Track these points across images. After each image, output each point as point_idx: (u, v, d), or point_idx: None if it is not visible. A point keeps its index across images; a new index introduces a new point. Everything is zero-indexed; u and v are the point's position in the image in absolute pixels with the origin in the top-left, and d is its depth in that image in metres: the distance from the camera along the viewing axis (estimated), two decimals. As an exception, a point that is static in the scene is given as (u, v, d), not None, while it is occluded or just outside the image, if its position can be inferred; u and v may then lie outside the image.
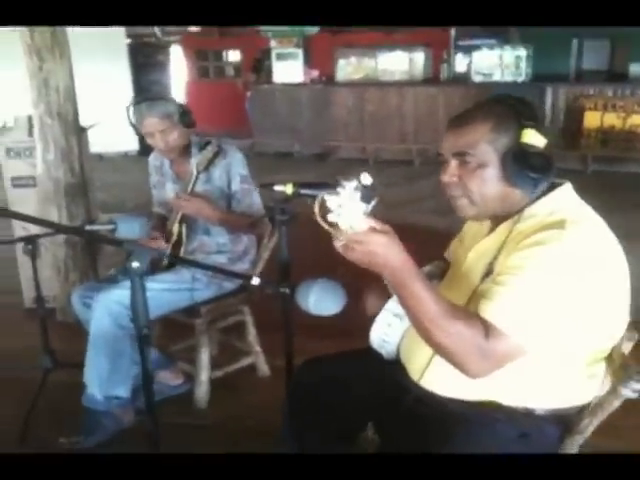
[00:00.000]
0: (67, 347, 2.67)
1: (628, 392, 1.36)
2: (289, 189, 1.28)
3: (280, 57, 9.92)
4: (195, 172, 2.46)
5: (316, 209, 1.25)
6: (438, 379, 1.49)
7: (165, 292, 2.54)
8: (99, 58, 9.30)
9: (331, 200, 1.23)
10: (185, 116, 2.62)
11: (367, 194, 1.27)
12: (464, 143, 1.44)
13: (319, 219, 1.25)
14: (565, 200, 1.44)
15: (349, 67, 9.95)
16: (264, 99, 9.85)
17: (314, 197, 1.31)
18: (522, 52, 8.57)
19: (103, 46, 9.37)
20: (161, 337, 2.88)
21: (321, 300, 1.69)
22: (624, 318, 1.42)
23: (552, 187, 1.46)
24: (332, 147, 9.35)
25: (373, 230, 1.26)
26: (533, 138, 1.37)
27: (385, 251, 1.26)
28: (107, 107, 7.51)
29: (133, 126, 2.60)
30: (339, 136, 9.34)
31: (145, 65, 10.11)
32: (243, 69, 12.42)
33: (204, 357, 2.68)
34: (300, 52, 9.76)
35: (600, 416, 1.42)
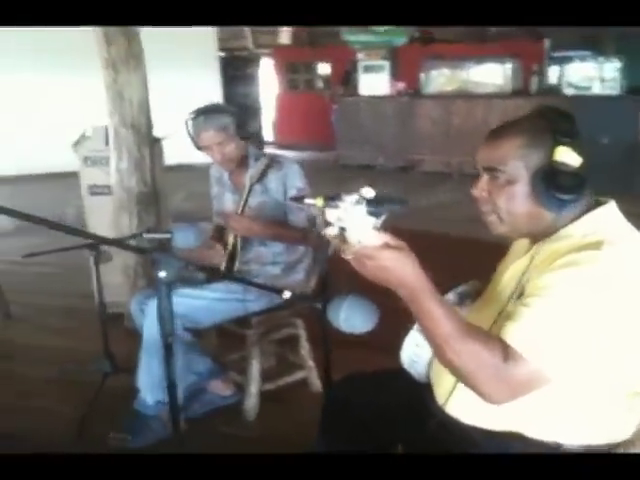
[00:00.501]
0: (131, 352, 2.71)
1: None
2: (319, 202, 1.25)
3: (367, 69, 9.93)
4: (248, 184, 2.48)
5: (320, 221, 1.24)
6: (461, 405, 1.42)
7: (217, 302, 2.57)
8: (192, 71, 9.63)
9: (330, 213, 1.21)
10: (242, 128, 2.64)
11: (376, 208, 1.24)
12: (495, 157, 1.38)
13: (324, 231, 1.24)
14: (605, 220, 1.34)
15: (441, 78, 9.86)
16: (349, 111, 9.89)
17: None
18: (616, 64, 8.19)
19: (196, 59, 9.69)
20: (216, 347, 2.91)
21: (351, 317, 1.64)
22: None
23: (595, 206, 1.37)
24: (416, 160, 9.25)
25: (386, 246, 1.24)
26: (567, 156, 1.29)
27: (398, 267, 1.23)
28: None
29: (192, 139, 2.65)
30: (423, 149, 9.24)
31: (235, 78, 10.39)
32: (332, 81, 12.51)
33: (255, 369, 2.68)
34: (387, 64, 9.73)
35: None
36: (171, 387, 1.73)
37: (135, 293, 3.39)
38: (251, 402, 2.69)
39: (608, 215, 1.36)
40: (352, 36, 10.14)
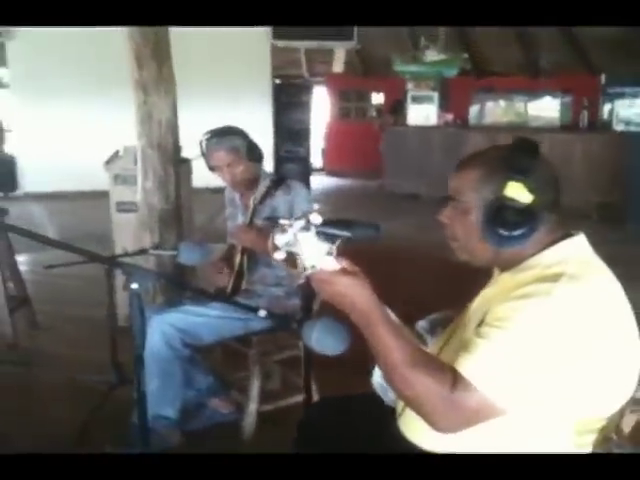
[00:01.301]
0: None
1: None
2: (316, 220, 1.30)
3: (415, 100, 9.97)
4: (252, 204, 2.54)
5: (270, 244, 1.27)
6: (411, 428, 1.43)
7: (219, 319, 2.62)
8: (245, 97, 9.85)
9: (278, 238, 1.25)
10: (252, 151, 2.71)
11: (329, 235, 1.28)
12: (455, 187, 1.41)
13: (272, 254, 1.28)
14: (570, 253, 1.33)
15: (497, 110, 9.85)
16: (397, 141, 9.91)
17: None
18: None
19: (249, 86, 9.91)
20: (221, 364, 2.96)
21: (322, 339, 1.66)
22: (626, 388, 1.28)
23: (563, 238, 1.36)
24: (460, 191, 9.18)
25: (341, 271, 1.28)
26: (516, 192, 1.29)
27: (351, 293, 1.28)
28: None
29: (204, 159, 2.73)
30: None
31: (287, 105, 10.50)
32: (383, 110, 12.59)
33: (254, 388, 2.70)
34: (436, 95, 9.75)
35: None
36: (141, 400, 1.75)
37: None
38: (248, 421, 2.71)
39: (574, 248, 1.35)
40: (402, 66, 10.20)
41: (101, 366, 2.98)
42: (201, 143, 2.72)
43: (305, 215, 1.26)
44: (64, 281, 4.65)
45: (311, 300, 2.01)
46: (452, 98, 10.10)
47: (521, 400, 1.22)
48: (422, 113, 9.93)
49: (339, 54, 12.77)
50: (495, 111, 10.08)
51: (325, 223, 1.33)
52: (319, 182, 11.52)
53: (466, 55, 10.43)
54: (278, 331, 2.68)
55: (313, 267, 1.27)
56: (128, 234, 3.79)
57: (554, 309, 1.21)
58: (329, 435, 1.72)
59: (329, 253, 1.28)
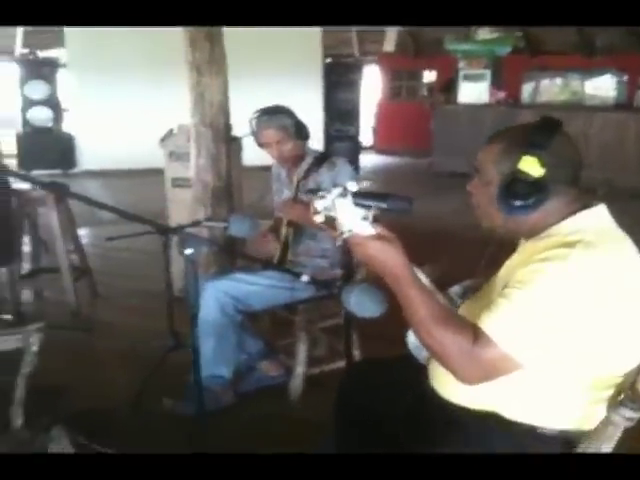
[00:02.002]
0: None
1: (618, 419, 1.31)
2: (352, 187, 1.45)
3: (467, 78, 9.90)
4: (295, 180, 2.68)
5: (311, 209, 1.41)
6: (441, 381, 1.55)
7: (269, 288, 2.78)
8: (296, 75, 9.97)
9: (318, 203, 1.39)
10: (299, 129, 2.84)
11: (363, 201, 1.41)
12: (479, 160, 1.52)
13: (312, 218, 1.42)
14: (589, 223, 1.43)
15: (554, 88, 9.72)
16: (447, 119, 9.89)
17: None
18: None
19: (301, 64, 10.02)
20: (270, 331, 3.13)
21: (360, 302, 1.80)
22: (638, 348, 1.38)
23: (584, 208, 1.46)
24: (511, 170, 9.12)
25: (375, 236, 1.40)
26: (528, 166, 1.39)
27: (382, 256, 1.41)
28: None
29: (253, 136, 2.87)
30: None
31: (337, 84, 10.57)
32: (434, 89, 12.54)
33: (301, 353, 2.87)
34: (488, 73, 9.66)
35: (596, 443, 1.37)
36: (196, 355, 1.91)
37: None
38: (296, 383, 2.88)
39: (594, 217, 1.44)
40: (454, 45, 10.14)
41: (158, 333, 3.18)
42: (251, 121, 2.86)
43: (343, 183, 1.39)
44: (123, 254, 4.90)
45: (352, 268, 2.14)
46: (505, 76, 9.98)
47: (538, 356, 1.33)
48: (474, 91, 9.85)
49: (390, 33, 12.74)
50: (551, 89, 9.93)
51: (362, 193, 1.46)
52: (369, 160, 11.59)
53: (519, 33, 10.29)
54: (322, 299, 2.83)
55: (350, 231, 1.41)
56: (182, 209, 3.97)
57: (570, 272, 1.31)
58: (366, 394, 1.85)
59: (364, 218, 1.40)
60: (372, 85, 13.29)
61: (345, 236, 1.42)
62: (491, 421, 1.46)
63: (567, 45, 10.51)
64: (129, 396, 2.81)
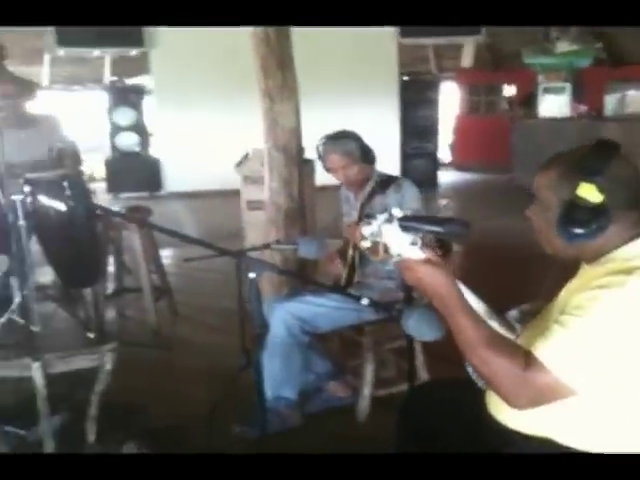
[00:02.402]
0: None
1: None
2: (397, 213, 1.50)
3: (547, 91, 9.72)
4: (359, 203, 2.72)
5: (358, 234, 1.47)
6: (496, 407, 1.56)
7: (336, 310, 2.82)
8: (371, 94, 10.04)
9: (365, 229, 1.44)
10: (365, 153, 2.89)
11: (411, 227, 1.45)
12: (537, 186, 1.51)
13: (358, 242, 1.47)
14: None
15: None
16: (528, 133, 9.72)
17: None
18: None
19: (377, 84, 10.09)
20: (338, 351, 3.17)
21: (419, 326, 1.82)
22: None
23: None
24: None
25: (425, 260, 1.44)
26: (587, 193, 1.38)
27: (431, 280, 1.44)
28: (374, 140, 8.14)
29: (320, 161, 2.95)
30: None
31: (414, 101, 10.58)
32: (514, 103, 12.34)
33: (368, 374, 2.89)
34: (568, 86, 9.45)
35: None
36: (258, 373, 1.98)
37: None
38: (363, 405, 2.90)
39: None
40: (533, 58, 9.97)
41: (232, 351, 3.28)
42: (317, 147, 2.93)
43: (388, 210, 1.43)
44: (201, 274, 5.07)
45: (412, 290, 2.16)
46: (586, 89, 9.73)
47: (591, 382, 1.32)
48: (554, 105, 9.67)
49: (468, 48, 12.64)
50: (638, 100, 9.60)
51: (417, 218, 1.49)
52: (448, 177, 11.51)
53: (600, 44, 10.01)
54: (389, 321, 2.85)
55: (399, 255, 1.45)
56: (257, 230, 4.09)
57: (626, 300, 1.30)
58: (427, 415, 1.87)
59: (413, 243, 1.44)
60: (450, 101, 13.20)
61: (394, 260, 1.46)
62: (546, 447, 1.45)
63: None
64: (204, 414, 2.91)
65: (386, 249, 1.48)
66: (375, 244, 1.47)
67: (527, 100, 10.73)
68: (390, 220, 1.44)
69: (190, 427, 2.85)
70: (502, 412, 1.54)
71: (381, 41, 9.91)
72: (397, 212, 1.44)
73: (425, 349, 2.98)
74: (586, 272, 1.50)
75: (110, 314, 4.37)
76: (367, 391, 2.89)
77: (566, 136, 9.17)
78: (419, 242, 1.46)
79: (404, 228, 1.45)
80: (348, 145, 2.87)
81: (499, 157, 10.81)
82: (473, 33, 10.21)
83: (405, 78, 10.82)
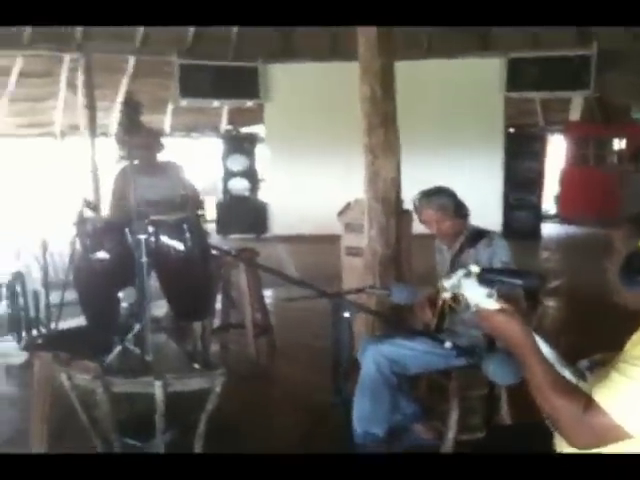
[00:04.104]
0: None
1: None
2: (475, 269, 1.71)
3: (657, 146, 9.52)
4: (450, 257, 2.91)
5: (440, 285, 1.67)
6: (562, 445, 1.68)
7: (424, 354, 2.99)
8: (476, 147, 10.18)
9: (446, 282, 1.65)
10: (459, 208, 3.08)
11: (486, 280, 1.64)
12: (613, 238, 1.67)
13: (441, 293, 1.67)
14: None
15: None
16: (636, 187, 9.53)
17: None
18: None
19: (482, 136, 10.22)
20: (426, 395, 3.32)
21: (498, 370, 1.99)
22: None
23: None
24: None
25: (500, 310, 1.63)
26: None
27: (506, 329, 1.64)
28: (477, 191, 8.34)
29: (417, 214, 3.17)
30: None
31: (519, 153, 10.61)
32: (623, 157, 12.06)
33: (453, 418, 3.01)
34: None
35: None
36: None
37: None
38: (446, 447, 3.02)
39: None
40: (641, 114, 9.82)
41: (325, 388, 3.49)
42: (414, 202, 3.16)
43: (466, 266, 1.63)
44: (300, 314, 5.34)
45: (494, 338, 2.31)
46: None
47: None
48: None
49: (577, 101, 12.52)
50: None
51: (498, 271, 1.68)
52: (551, 229, 11.37)
53: None
54: (474, 368, 2.98)
55: (476, 306, 1.65)
56: (354, 275, 4.33)
57: None
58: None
59: (489, 295, 1.64)
60: (556, 153, 13.06)
61: (472, 311, 1.66)
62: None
63: None
64: (294, 445, 3.13)
65: (465, 300, 1.68)
66: (455, 295, 1.68)
67: (636, 154, 10.50)
68: (468, 275, 1.65)
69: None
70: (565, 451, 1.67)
71: (488, 93, 10.08)
72: (475, 268, 1.64)
73: (510, 399, 3.08)
74: None
75: (215, 347, 4.72)
76: (451, 435, 3.02)
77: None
78: (495, 294, 1.65)
79: (484, 280, 1.65)
80: (442, 200, 3.07)
81: (607, 211, 10.58)
82: (582, 87, 10.16)
83: (511, 130, 10.88)
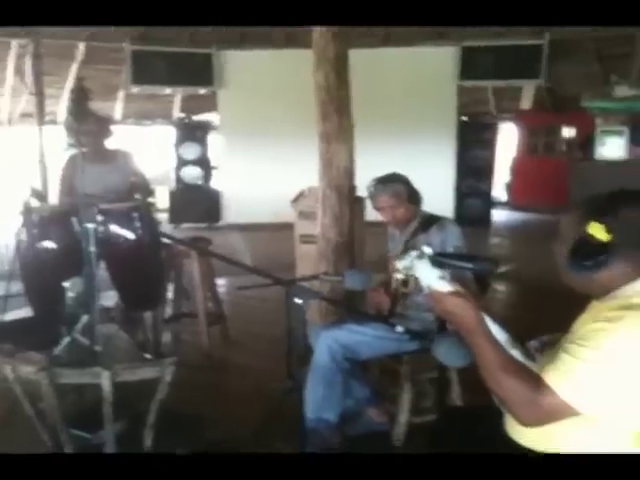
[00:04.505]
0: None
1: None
2: (428, 251, 1.71)
3: (605, 134, 9.75)
4: (402, 242, 2.93)
5: (391, 267, 1.68)
6: (511, 427, 1.73)
7: (377, 339, 3.01)
8: (428, 136, 10.26)
9: (399, 263, 1.65)
10: (412, 195, 3.10)
11: (438, 264, 1.65)
12: (561, 223, 1.70)
13: (393, 275, 1.68)
14: None
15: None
16: (585, 175, 9.73)
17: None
18: None
19: (434, 125, 10.30)
20: (378, 379, 3.34)
21: (448, 353, 2.00)
22: None
23: None
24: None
25: (452, 293, 1.64)
26: (596, 231, 1.55)
27: (458, 310, 1.65)
28: (429, 179, 8.39)
29: (371, 201, 3.17)
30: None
31: (471, 141, 10.74)
32: (572, 146, 12.32)
33: (405, 402, 3.05)
34: (626, 130, 9.46)
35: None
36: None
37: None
38: (399, 431, 3.06)
39: None
40: (591, 102, 10.03)
41: (279, 375, 3.49)
42: (368, 189, 3.17)
43: (420, 247, 1.64)
44: (253, 302, 5.32)
45: (445, 320, 2.33)
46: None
47: (592, 404, 1.48)
48: (612, 148, 9.68)
49: (528, 90, 12.73)
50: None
51: (449, 255, 1.68)
52: (502, 216, 11.56)
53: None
54: (426, 352, 3.01)
55: (429, 287, 1.65)
56: (309, 263, 4.32)
57: (624, 332, 1.47)
58: (452, 440, 2.03)
59: (442, 277, 1.65)
60: (507, 141, 13.27)
61: (424, 293, 1.67)
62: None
63: None
64: (248, 433, 3.12)
65: (417, 282, 1.68)
66: (408, 277, 1.68)
67: (585, 143, 10.74)
68: (421, 256, 1.65)
69: (236, 443, 3.05)
70: (514, 430, 1.71)
71: (440, 82, 10.16)
72: (427, 249, 1.64)
73: (461, 381, 3.12)
74: (594, 307, 1.67)
75: (166, 337, 4.66)
76: (403, 418, 3.05)
77: (622, 179, 9.14)
78: (447, 277, 1.66)
79: (438, 264, 1.65)
80: (396, 187, 3.09)
81: (556, 198, 10.79)
82: (533, 76, 10.33)
83: (463, 118, 11.00)
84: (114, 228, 3.66)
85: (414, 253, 1.67)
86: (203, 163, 10.56)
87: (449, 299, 1.65)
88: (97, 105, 10.52)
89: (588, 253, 1.57)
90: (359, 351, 3.01)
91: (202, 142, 10.53)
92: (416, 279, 1.70)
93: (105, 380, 2.04)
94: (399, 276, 1.71)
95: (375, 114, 8.90)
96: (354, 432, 3.15)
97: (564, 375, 1.51)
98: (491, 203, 10.89)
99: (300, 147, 7.65)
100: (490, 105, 13.15)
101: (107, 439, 2.29)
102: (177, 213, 10.37)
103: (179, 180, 10.51)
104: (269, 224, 9.15)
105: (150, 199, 4.20)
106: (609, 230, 1.55)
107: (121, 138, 11.47)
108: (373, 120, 8.59)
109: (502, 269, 6.84)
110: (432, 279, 1.66)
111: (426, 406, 3.25)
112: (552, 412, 1.52)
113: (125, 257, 3.79)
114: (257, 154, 10.11)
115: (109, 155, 4.35)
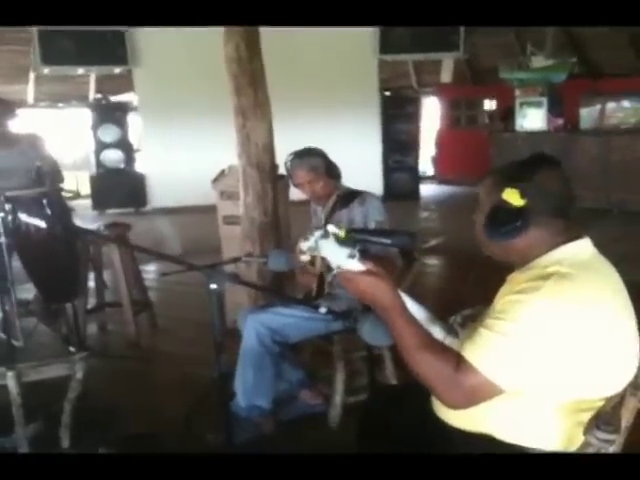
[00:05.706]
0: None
1: (593, 440, 1.39)
2: (342, 233, 1.60)
3: (524, 105, 9.91)
4: (323, 217, 2.85)
5: (297, 249, 1.58)
6: (438, 406, 1.67)
7: (305, 320, 2.92)
8: (353, 111, 10.20)
9: (303, 244, 1.56)
10: (331, 169, 3.01)
11: (348, 242, 1.56)
12: (479, 192, 1.65)
13: (298, 256, 1.58)
14: (567, 255, 1.53)
15: (619, 113, 9.57)
16: (506, 147, 9.89)
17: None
18: None
19: (358, 99, 10.25)
20: (310, 361, 3.28)
21: (372, 332, 1.95)
22: (619, 373, 1.47)
23: (569, 241, 1.55)
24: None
25: (365, 271, 1.55)
26: (510, 197, 1.51)
27: (372, 290, 1.55)
28: (356, 155, 8.41)
29: (289, 177, 3.07)
30: (580, 185, 8.97)
31: (395, 116, 10.77)
32: (494, 118, 12.54)
33: (339, 382, 2.99)
34: (544, 100, 9.64)
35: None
36: (223, 382, 2.07)
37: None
38: (334, 412, 3.00)
39: (573, 250, 1.54)
40: (509, 74, 10.17)
41: (208, 362, 3.37)
42: (286, 164, 3.06)
43: (323, 225, 1.55)
44: (180, 288, 5.16)
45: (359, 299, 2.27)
46: (565, 102, 9.91)
47: (515, 380, 1.43)
48: (531, 119, 9.85)
49: (447, 64, 12.86)
50: (616, 114, 9.77)
51: (365, 231, 1.60)
52: (430, 190, 11.69)
53: (575, 59, 10.22)
54: (354, 331, 2.95)
55: (338, 267, 1.56)
56: (234, 244, 4.19)
57: (541, 303, 1.42)
58: (382, 419, 1.97)
59: (351, 256, 1.54)
60: (431, 115, 13.40)
61: (334, 273, 1.57)
62: (485, 442, 1.55)
63: (627, 68, 10.36)
64: (179, 422, 3.01)
65: (326, 262, 1.59)
66: (314, 258, 1.58)
67: (506, 114, 10.92)
68: (326, 235, 1.55)
69: (165, 435, 2.94)
70: (443, 410, 1.65)
71: (361, 57, 10.10)
72: (332, 228, 1.55)
73: (395, 358, 3.08)
74: (513, 278, 1.62)
75: (92, 328, 4.47)
76: (338, 399, 2.99)
77: (544, 149, 9.34)
78: (357, 254, 1.55)
79: (352, 240, 1.56)
80: (313, 161, 2.99)
81: (481, 170, 10.90)
82: (451, 49, 10.41)
83: (386, 93, 11.01)
84: (23, 216, 3.44)
85: (318, 233, 1.56)
86: (124, 146, 10.21)
87: (360, 278, 1.54)
88: (7, 88, 10.02)
89: (503, 219, 1.53)
90: (287, 333, 2.92)
91: (121, 124, 10.17)
92: (323, 259, 1.60)
93: (10, 381, 1.89)
94: (304, 257, 1.60)
95: (295, 90, 8.78)
96: (289, 416, 3.07)
97: (484, 351, 1.44)
98: (418, 177, 10.96)
99: (222, 124, 7.47)
100: (411, 79, 13.25)
101: (20, 442, 2.13)
102: (100, 199, 10.01)
103: (100, 164, 10.13)
104: (196, 206, 8.94)
105: (60, 185, 3.99)
106: (523, 195, 1.50)
107: (34, 122, 11.06)
108: (293, 97, 8.48)
109: (432, 242, 6.89)
110: (341, 258, 1.55)
111: (360, 385, 3.21)
112: (475, 392, 1.44)
113: (37, 246, 3.60)
114: (179, 134, 9.78)
115: (13, 139, 4.10)
